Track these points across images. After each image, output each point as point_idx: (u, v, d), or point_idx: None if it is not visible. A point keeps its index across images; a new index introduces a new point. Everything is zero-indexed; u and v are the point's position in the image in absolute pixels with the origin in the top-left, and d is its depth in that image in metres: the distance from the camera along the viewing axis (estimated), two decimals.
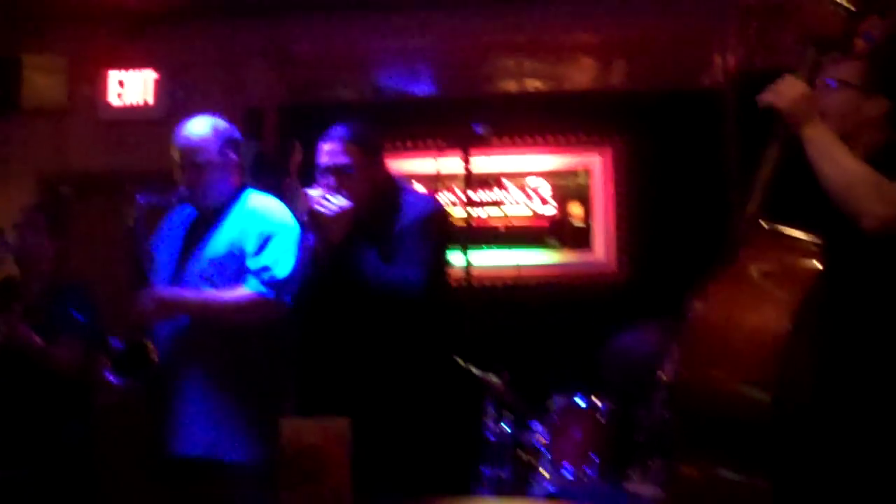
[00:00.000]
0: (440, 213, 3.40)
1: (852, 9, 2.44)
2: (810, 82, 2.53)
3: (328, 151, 3.37)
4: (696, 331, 2.37)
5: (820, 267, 2.37)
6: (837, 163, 2.39)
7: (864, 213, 2.33)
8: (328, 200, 3.28)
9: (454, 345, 3.40)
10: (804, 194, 2.51)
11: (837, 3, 2.46)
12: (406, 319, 3.25)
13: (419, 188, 3.71)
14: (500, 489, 3.60)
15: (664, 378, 3.19)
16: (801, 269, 2.38)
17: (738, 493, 2.28)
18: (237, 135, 3.68)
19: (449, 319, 3.39)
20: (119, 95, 6.25)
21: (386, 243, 3.30)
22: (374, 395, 3.29)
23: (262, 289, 3.40)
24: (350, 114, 6.11)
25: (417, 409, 3.25)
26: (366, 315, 3.34)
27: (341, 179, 3.34)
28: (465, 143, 3.25)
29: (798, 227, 2.48)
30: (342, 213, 3.27)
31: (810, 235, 2.43)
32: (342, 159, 3.35)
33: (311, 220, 3.31)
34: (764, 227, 2.49)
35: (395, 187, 3.44)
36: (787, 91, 2.49)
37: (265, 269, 3.42)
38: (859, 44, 2.62)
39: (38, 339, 4.10)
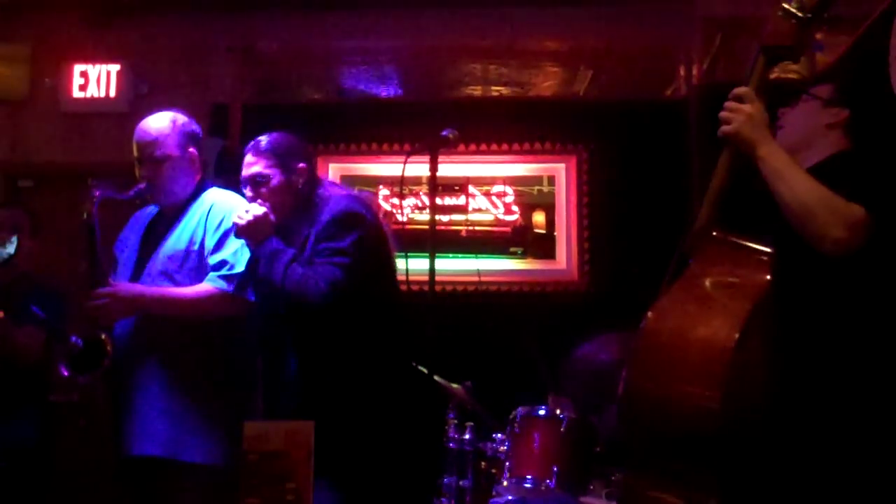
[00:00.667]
0: (351, 212, 3.38)
1: (802, 16, 2.45)
2: (760, 91, 2.53)
3: (245, 163, 3.46)
4: (646, 343, 2.37)
5: (769, 277, 2.38)
6: (792, 185, 2.37)
7: (823, 237, 2.31)
8: (245, 211, 3.33)
9: (406, 349, 3.39)
10: (757, 204, 2.52)
11: (787, 10, 2.46)
12: (322, 321, 3.28)
13: (347, 191, 3.71)
14: (460, 499, 3.61)
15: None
16: (752, 279, 2.39)
17: None
18: (197, 129, 3.66)
19: (386, 321, 3.39)
20: (82, 87, 6.18)
21: (302, 246, 3.34)
22: (320, 400, 3.29)
23: (221, 284, 3.38)
24: (314, 114, 6.20)
25: (366, 416, 3.24)
26: (289, 318, 3.39)
27: (257, 189, 3.41)
28: (433, 148, 3.23)
29: (750, 237, 2.49)
30: (257, 221, 3.30)
31: (762, 245, 2.44)
32: (256, 170, 3.42)
33: (235, 231, 3.37)
34: (716, 237, 2.50)
35: (318, 192, 3.47)
36: (735, 116, 2.48)
37: (224, 263, 3.40)
38: (813, 56, 2.65)
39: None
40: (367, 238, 3.34)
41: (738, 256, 2.45)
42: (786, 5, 2.44)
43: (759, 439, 2.28)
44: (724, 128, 2.50)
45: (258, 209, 3.32)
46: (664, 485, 2.32)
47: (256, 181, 3.41)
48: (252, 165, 3.42)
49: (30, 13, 6.22)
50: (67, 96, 6.18)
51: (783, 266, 2.41)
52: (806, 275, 2.40)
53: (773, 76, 2.59)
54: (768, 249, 2.42)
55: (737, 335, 2.24)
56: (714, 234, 2.49)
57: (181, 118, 3.60)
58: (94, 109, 6.16)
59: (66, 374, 3.36)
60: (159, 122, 3.55)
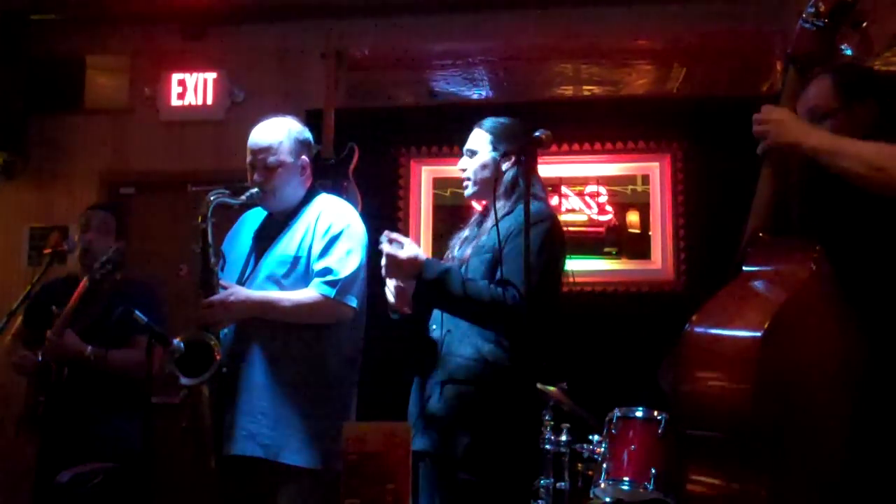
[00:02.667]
0: (550, 221, 3.33)
1: (821, 24, 2.46)
2: (795, 99, 2.60)
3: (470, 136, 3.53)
4: (686, 344, 2.38)
5: (813, 268, 2.37)
6: (853, 154, 2.40)
7: None
8: (390, 243, 3.27)
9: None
10: (805, 210, 2.52)
11: (807, 20, 2.48)
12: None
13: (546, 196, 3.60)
14: (556, 501, 3.57)
15: None
16: (791, 273, 2.40)
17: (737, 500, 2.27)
18: (310, 136, 3.67)
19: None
20: (179, 96, 6.33)
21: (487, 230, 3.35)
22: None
23: (326, 290, 3.40)
24: (406, 117, 6.24)
25: (478, 421, 3.23)
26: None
27: (469, 161, 3.46)
28: (526, 149, 3.23)
29: (795, 236, 2.48)
30: (395, 262, 3.24)
31: (805, 242, 2.43)
32: (469, 145, 3.47)
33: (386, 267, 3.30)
34: (761, 240, 2.50)
35: (522, 185, 3.32)
36: (772, 126, 2.55)
37: (328, 270, 3.42)
38: (842, 58, 2.66)
39: (86, 348, 4.19)
40: (552, 250, 3.34)
41: (780, 254, 2.47)
42: (805, 15, 2.50)
43: (811, 428, 2.26)
44: (764, 143, 2.58)
45: (394, 249, 3.26)
46: (715, 476, 2.32)
47: (467, 153, 3.47)
48: (470, 140, 3.48)
49: (128, 26, 6.40)
50: (165, 105, 6.35)
51: (837, 256, 2.42)
52: (859, 264, 2.43)
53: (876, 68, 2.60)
54: (811, 244, 2.41)
55: (767, 324, 2.22)
56: (760, 236, 2.50)
57: (295, 125, 3.62)
58: (192, 117, 6.33)
59: (175, 376, 3.40)
60: (274, 129, 3.56)
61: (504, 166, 3.41)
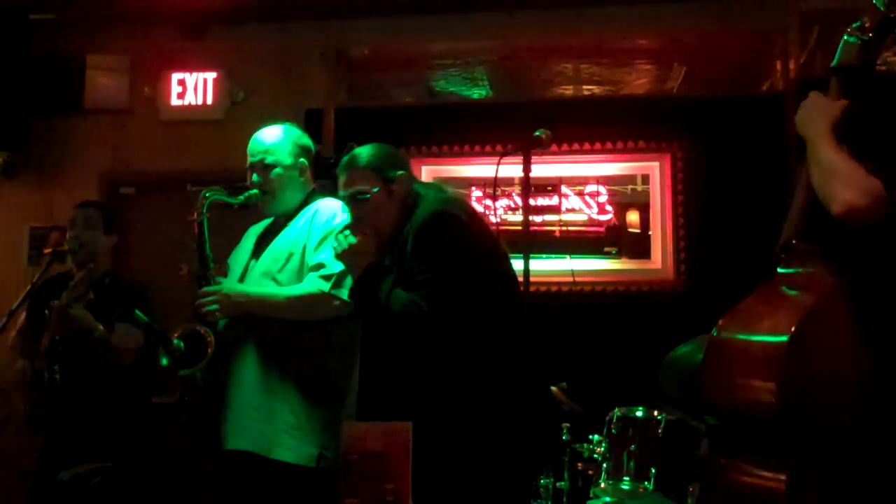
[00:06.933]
0: (432, 225, 3.18)
1: (866, 38, 2.47)
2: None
3: (342, 182, 3.33)
4: (714, 345, 2.38)
5: (840, 274, 2.36)
6: (820, 155, 2.38)
7: (833, 197, 2.31)
8: (342, 239, 3.25)
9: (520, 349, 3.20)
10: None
11: (852, 34, 2.49)
12: (430, 340, 3.15)
13: (440, 191, 3.46)
14: (557, 500, 3.59)
15: None
16: (822, 277, 2.38)
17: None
18: (309, 143, 3.74)
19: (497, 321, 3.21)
20: (180, 96, 6.32)
21: (400, 263, 3.21)
22: (425, 407, 3.27)
23: (320, 283, 3.42)
24: (406, 116, 6.23)
25: (471, 420, 3.22)
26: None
27: (359, 206, 3.30)
28: (525, 148, 3.22)
29: (831, 243, 2.48)
30: (353, 250, 3.23)
31: (841, 248, 2.43)
32: (354, 188, 3.29)
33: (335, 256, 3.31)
34: (798, 247, 2.50)
35: (415, 201, 3.30)
36: (800, 109, 2.53)
37: (321, 265, 3.45)
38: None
39: (99, 325, 4.18)
40: (461, 243, 3.17)
41: (813, 260, 2.45)
42: (849, 29, 2.47)
43: (831, 428, 2.26)
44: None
45: (352, 238, 3.23)
46: (739, 473, 2.31)
47: (356, 198, 3.28)
48: (350, 184, 3.30)
49: (129, 25, 6.38)
50: (166, 105, 6.33)
51: (863, 266, 2.40)
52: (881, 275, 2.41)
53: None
54: (846, 251, 2.42)
55: (793, 327, 2.23)
56: (794, 243, 2.50)
57: (295, 131, 3.71)
58: (192, 117, 6.31)
59: (170, 370, 3.41)
60: (272, 133, 3.65)
61: (402, 189, 3.30)
